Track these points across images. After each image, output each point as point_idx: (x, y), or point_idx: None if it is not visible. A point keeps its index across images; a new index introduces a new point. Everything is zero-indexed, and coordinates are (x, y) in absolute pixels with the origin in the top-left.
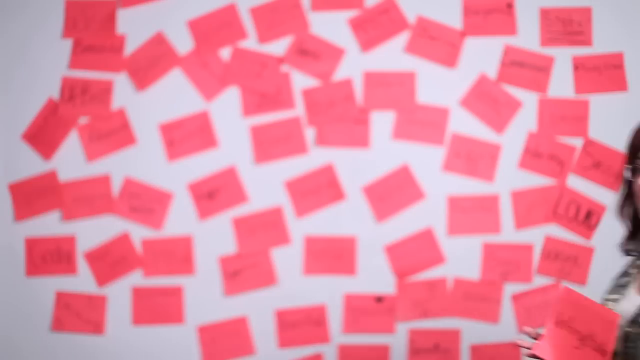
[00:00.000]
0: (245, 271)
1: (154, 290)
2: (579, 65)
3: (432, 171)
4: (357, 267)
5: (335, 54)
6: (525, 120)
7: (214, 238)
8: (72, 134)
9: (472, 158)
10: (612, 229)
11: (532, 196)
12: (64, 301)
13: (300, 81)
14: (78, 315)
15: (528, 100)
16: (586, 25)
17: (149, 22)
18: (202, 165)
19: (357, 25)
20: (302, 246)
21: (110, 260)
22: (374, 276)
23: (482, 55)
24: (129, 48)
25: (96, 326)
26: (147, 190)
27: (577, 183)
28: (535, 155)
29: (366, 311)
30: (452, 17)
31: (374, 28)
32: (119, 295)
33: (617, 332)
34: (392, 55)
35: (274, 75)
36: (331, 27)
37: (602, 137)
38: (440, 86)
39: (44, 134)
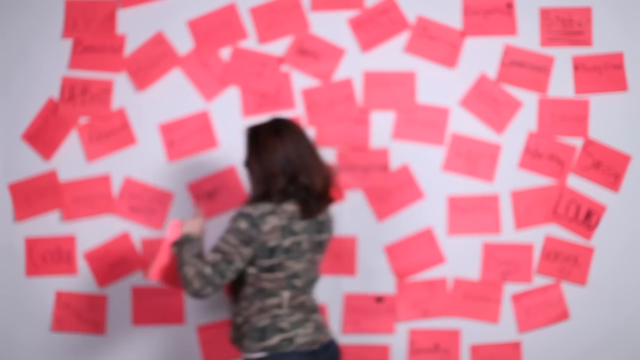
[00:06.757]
0: None
1: (154, 290)
2: (579, 65)
3: (432, 171)
4: (357, 267)
5: (335, 54)
6: (525, 120)
7: (214, 238)
8: (72, 134)
9: (472, 158)
10: (612, 229)
11: (532, 196)
12: (64, 301)
13: (300, 81)
14: (78, 315)
15: (528, 100)
16: (586, 25)
17: (149, 22)
18: (202, 165)
19: (357, 25)
20: None
21: (110, 260)
22: (374, 276)
23: (482, 55)
24: (129, 48)
25: (96, 326)
26: (147, 190)
27: (577, 183)
28: (535, 155)
29: (366, 311)
30: (452, 17)
31: (374, 28)
32: (119, 295)
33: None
34: (392, 55)
35: (274, 75)
36: (331, 27)
37: (602, 137)
38: (440, 86)
39: (44, 134)
